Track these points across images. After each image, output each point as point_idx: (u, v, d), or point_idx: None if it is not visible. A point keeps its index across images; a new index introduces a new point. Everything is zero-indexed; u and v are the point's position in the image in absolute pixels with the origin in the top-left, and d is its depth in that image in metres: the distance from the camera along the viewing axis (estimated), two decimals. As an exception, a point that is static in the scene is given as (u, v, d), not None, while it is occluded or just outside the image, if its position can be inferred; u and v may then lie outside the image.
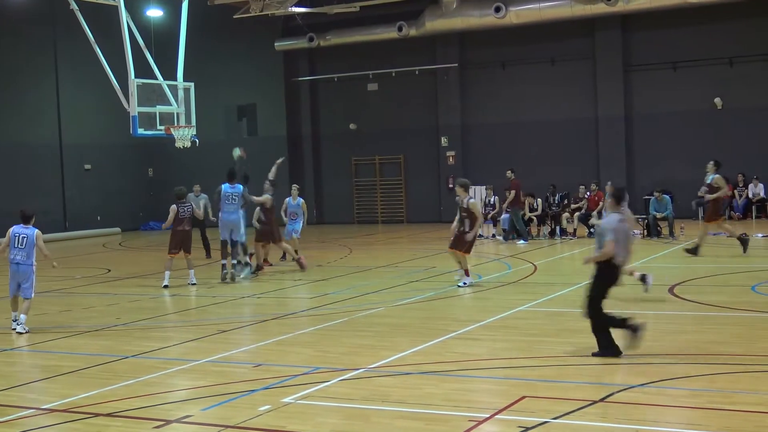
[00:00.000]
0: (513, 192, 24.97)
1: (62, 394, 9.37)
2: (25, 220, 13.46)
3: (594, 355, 10.25)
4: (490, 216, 25.66)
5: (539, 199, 26.38)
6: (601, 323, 10.34)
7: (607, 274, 10.34)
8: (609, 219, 10.36)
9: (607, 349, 10.23)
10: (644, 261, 19.45)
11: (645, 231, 24.78)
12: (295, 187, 21.86)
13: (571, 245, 23.56)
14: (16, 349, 12.24)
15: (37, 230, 13.41)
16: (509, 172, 25.63)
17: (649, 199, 25.53)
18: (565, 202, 26.15)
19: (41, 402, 9.13)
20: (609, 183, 17.36)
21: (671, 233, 23.71)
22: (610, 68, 31.30)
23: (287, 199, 21.23)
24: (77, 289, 18.24)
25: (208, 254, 22.73)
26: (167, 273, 17.82)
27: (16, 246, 13.30)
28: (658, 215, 24.33)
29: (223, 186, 18.41)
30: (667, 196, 24.44)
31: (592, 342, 11.09)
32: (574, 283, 16.07)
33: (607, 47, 31.31)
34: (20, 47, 32.55)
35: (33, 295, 13.40)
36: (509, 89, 32.91)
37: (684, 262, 19.04)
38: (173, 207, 17.89)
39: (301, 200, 21.12)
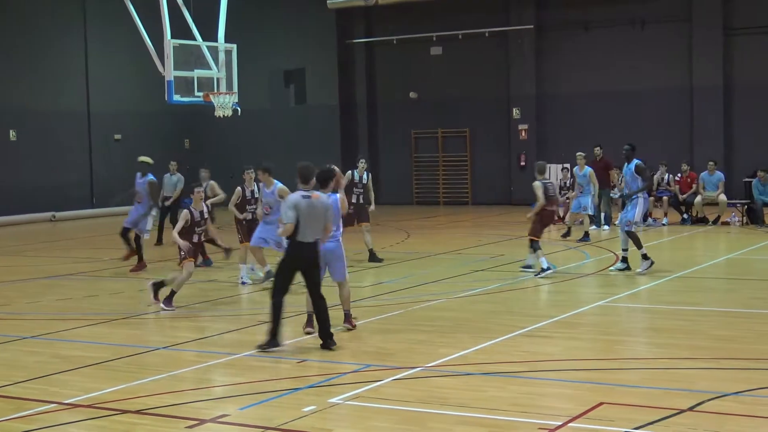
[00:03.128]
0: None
1: (86, 388, 9.52)
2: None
3: (258, 347, 11.04)
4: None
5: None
6: (272, 307, 11.17)
7: (290, 253, 11.16)
8: (291, 195, 11.24)
9: (269, 340, 11.07)
10: (741, 252, 19.19)
11: (745, 218, 24.44)
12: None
13: (659, 232, 23.31)
14: (37, 337, 12.46)
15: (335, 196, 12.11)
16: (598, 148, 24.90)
17: (750, 181, 25.14)
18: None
19: (64, 396, 9.28)
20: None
21: (775, 221, 23.31)
22: (708, 32, 30.79)
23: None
24: (104, 273, 18.51)
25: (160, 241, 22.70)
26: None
27: None
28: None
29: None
30: None
31: (681, 342, 11.01)
32: (661, 275, 15.91)
33: (705, 8, 30.79)
34: (45, 5, 32.95)
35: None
36: (592, 55, 32.55)
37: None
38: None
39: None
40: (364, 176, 19.13)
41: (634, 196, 16.38)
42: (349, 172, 18.85)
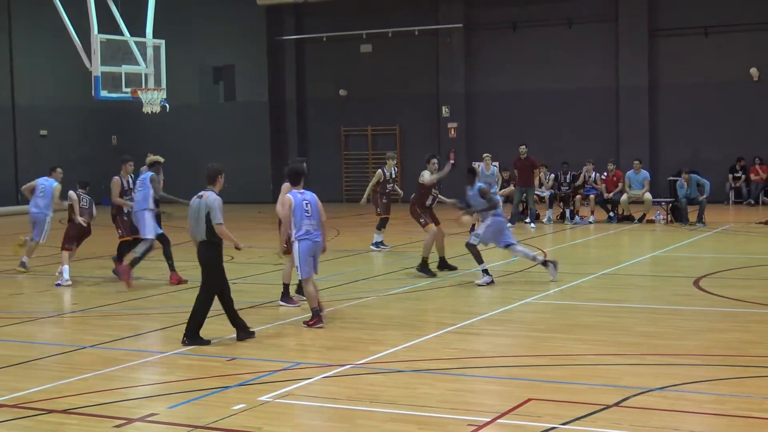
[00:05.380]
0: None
1: (12, 387, 9.39)
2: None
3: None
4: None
5: (551, 175, 26.58)
6: None
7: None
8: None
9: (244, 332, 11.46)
10: (665, 250, 19.51)
11: (669, 216, 24.83)
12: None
13: (585, 230, 23.60)
14: (-39, 336, 12.24)
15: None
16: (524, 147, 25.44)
17: (675, 180, 25.55)
18: (577, 183, 26.09)
19: (-12, 396, 9.16)
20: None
21: (700, 219, 23.64)
22: (634, 32, 31.24)
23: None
24: (30, 271, 18.21)
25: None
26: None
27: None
28: (700, 197, 24.10)
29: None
30: (705, 181, 24.38)
31: (606, 339, 11.17)
32: (587, 273, 16.11)
33: (631, 9, 31.23)
34: (-32, -4, 32.37)
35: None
36: (520, 54, 32.84)
37: (712, 251, 19.11)
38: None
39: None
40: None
41: (483, 215, 15.81)
42: (426, 172, 17.81)
